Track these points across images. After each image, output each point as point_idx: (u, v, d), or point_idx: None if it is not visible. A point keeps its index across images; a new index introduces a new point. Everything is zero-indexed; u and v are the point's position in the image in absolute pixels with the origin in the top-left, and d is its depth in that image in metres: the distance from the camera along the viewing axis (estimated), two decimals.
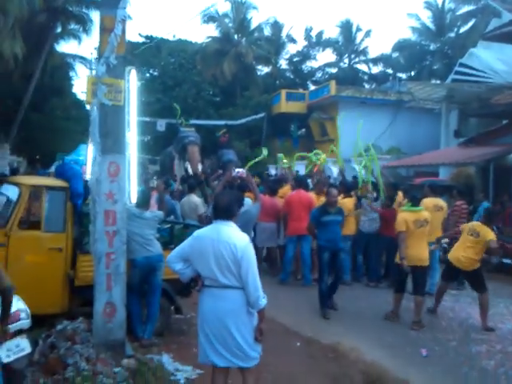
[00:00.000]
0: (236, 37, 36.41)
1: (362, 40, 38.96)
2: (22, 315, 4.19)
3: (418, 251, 7.23)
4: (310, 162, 13.70)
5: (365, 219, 9.77)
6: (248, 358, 3.87)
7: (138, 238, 5.86)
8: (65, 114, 31.01)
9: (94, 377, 4.45)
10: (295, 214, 9.37)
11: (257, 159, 11.21)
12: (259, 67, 38.31)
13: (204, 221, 8.58)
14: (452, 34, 33.79)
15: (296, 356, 6.06)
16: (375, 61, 38.98)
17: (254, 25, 37.40)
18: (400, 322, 7.38)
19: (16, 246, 5.61)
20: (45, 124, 28.25)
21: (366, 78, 39.56)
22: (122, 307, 5.10)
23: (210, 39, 36.64)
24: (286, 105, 30.65)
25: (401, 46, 35.71)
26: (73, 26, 28.08)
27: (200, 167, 15.15)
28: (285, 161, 14.02)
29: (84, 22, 26.91)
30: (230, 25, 36.72)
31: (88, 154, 9.20)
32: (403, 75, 36.80)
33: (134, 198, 6.11)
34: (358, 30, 38.79)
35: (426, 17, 34.49)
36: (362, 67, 39.85)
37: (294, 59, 40.16)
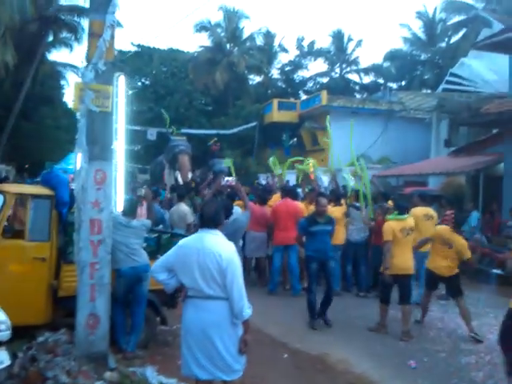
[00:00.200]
0: (228, 46, 36.49)
1: (354, 50, 39.09)
2: (2, 327, 4.09)
3: (402, 260, 7.24)
4: (299, 171, 13.66)
5: (352, 228, 9.73)
6: (231, 371, 3.79)
7: (122, 247, 5.76)
8: (55, 122, 30.88)
9: None
10: (282, 223, 9.33)
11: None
12: (251, 76, 38.41)
13: (192, 230, 8.50)
14: (443, 44, 33.99)
15: (283, 367, 5.97)
16: (366, 71, 39.13)
17: (246, 34, 37.55)
18: (388, 332, 7.31)
19: None
20: (35, 133, 28.11)
21: (357, 87, 39.68)
22: (105, 319, 5.02)
23: (202, 48, 36.70)
24: (277, 114, 30.68)
25: (392, 56, 35.88)
26: (64, 34, 28.09)
27: (190, 175, 15.09)
28: (276, 165, 13.96)
29: (76, 31, 26.90)
30: (222, 34, 36.79)
31: (76, 161, 9.10)
32: (394, 85, 36.99)
33: (120, 207, 6.02)
34: (350, 39, 38.93)
35: (417, 27, 34.74)
36: (354, 77, 40.01)
37: (286, 69, 40.24)
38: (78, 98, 5.07)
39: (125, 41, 66.83)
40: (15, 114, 24.93)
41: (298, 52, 40.10)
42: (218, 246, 3.79)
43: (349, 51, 39.20)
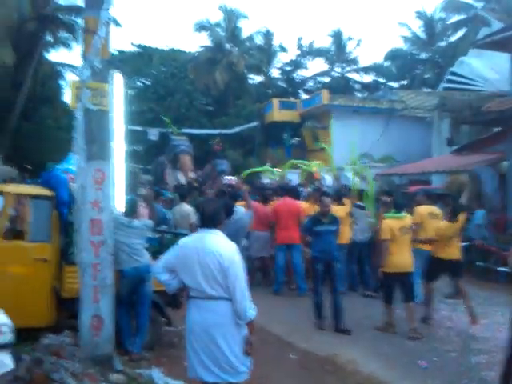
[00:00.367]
0: (228, 46, 36.37)
1: (354, 49, 39.09)
2: (5, 329, 3.99)
3: (402, 258, 7.21)
4: (304, 171, 13.57)
5: (356, 228, 9.61)
6: (237, 373, 3.68)
7: (125, 247, 5.67)
8: (56, 123, 30.74)
9: None
10: (283, 222, 9.25)
11: (260, 168, 10.82)
12: (251, 76, 38.30)
13: (194, 229, 8.39)
14: (443, 43, 33.94)
15: (290, 368, 5.87)
16: (367, 70, 39.05)
17: (245, 34, 37.49)
18: (397, 331, 7.19)
19: (0, 257, 5.40)
20: (35, 133, 27.94)
21: (357, 86, 39.59)
22: (109, 320, 4.91)
23: (202, 48, 36.62)
24: (278, 113, 30.58)
25: (392, 55, 35.85)
26: (63, 34, 27.97)
27: (192, 175, 15.01)
28: (275, 170, 13.87)
29: (74, 30, 26.73)
30: (222, 34, 36.71)
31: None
32: (395, 84, 36.92)
33: (121, 207, 5.93)
34: (349, 39, 38.89)
35: (417, 26, 34.70)
36: (354, 76, 39.92)
37: (286, 68, 40.15)
38: (74, 97, 4.97)
39: (125, 41, 66.77)
40: (16, 114, 24.81)
41: (297, 52, 40.04)
42: (218, 245, 3.70)
43: (348, 50, 39.15)
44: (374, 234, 9.41)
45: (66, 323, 5.51)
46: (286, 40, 58.28)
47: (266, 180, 19.95)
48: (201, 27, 36.34)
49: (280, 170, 13.35)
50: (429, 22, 34.12)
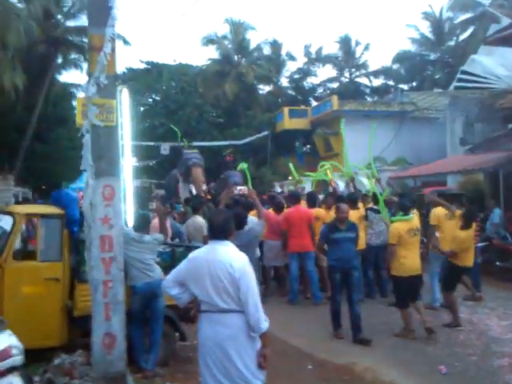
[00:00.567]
0: (236, 57, 36.58)
1: (362, 54, 39.07)
2: (14, 351, 3.95)
3: (413, 261, 7.15)
4: (314, 179, 13.43)
5: (371, 232, 9.46)
6: None
7: (137, 263, 5.64)
8: (70, 143, 31.12)
9: None
10: (296, 230, 9.12)
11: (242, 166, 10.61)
12: (260, 86, 38.45)
13: (207, 242, 8.33)
14: (451, 43, 33.72)
15: (308, 380, 5.76)
16: (376, 73, 38.98)
17: (253, 45, 37.69)
18: (416, 337, 7.05)
19: (11, 278, 5.40)
20: (50, 154, 28.32)
21: (367, 91, 39.49)
22: (121, 337, 4.86)
23: (210, 61, 36.86)
24: (289, 122, 30.62)
25: (401, 58, 35.68)
26: (73, 55, 28.35)
27: (204, 187, 14.97)
28: (295, 174, 13.80)
29: (85, 52, 27.02)
30: (230, 46, 36.94)
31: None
32: (405, 86, 36.74)
33: (131, 222, 5.90)
34: (357, 43, 38.88)
35: (425, 27, 34.55)
36: (363, 81, 39.88)
37: (295, 76, 40.18)
38: (81, 114, 4.97)
39: (134, 59, 67.60)
40: (29, 136, 25.14)
41: (306, 59, 40.08)
42: (229, 256, 3.62)
43: (357, 55, 39.14)
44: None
45: (79, 342, 5.49)
46: (294, 48, 58.24)
47: (278, 189, 19.90)
48: (208, 41, 36.65)
49: (291, 178, 13.24)
50: (436, 22, 33.95)
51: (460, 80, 20.38)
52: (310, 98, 40.00)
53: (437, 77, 33.58)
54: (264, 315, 3.59)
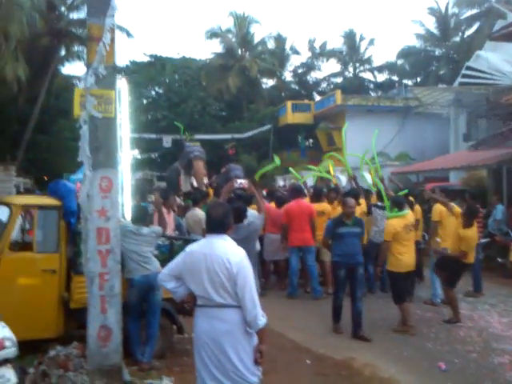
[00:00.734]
0: (240, 51, 36.44)
1: (366, 49, 38.81)
2: (7, 343, 3.90)
3: (410, 257, 7.19)
4: (319, 172, 13.34)
5: (376, 229, 9.29)
6: None
7: (134, 255, 5.59)
8: (73, 134, 31.07)
9: None
10: (296, 224, 9.06)
11: (269, 167, 10.60)
12: (264, 80, 38.34)
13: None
14: (457, 39, 33.53)
15: (306, 375, 5.70)
16: (380, 69, 38.77)
17: (257, 39, 37.57)
18: (415, 333, 6.99)
19: (7, 269, 5.36)
20: (52, 145, 28.29)
21: (371, 86, 39.30)
22: (117, 330, 4.81)
23: (213, 55, 36.74)
24: (292, 116, 30.51)
25: (406, 53, 35.45)
26: (77, 47, 28.26)
27: (206, 180, 14.89)
28: (296, 174, 13.72)
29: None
30: (234, 40, 36.79)
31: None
32: (409, 82, 36.53)
33: (129, 214, 5.84)
34: (362, 38, 38.62)
35: (430, 23, 34.30)
36: (367, 76, 39.66)
37: (299, 71, 40.04)
38: (78, 104, 4.90)
39: (137, 52, 67.46)
40: (31, 127, 25.11)
41: (310, 53, 39.91)
42: (226, 251, 3.55)
43: (361, 50, 38.90)
44: None
45: (75, 334, 5.45)
46: (299, 42, 58.13)
47: (281, 182, 19.82)
48: (212, 34, 36.52)
49: (294, 172, 13.16)
50: (442, 18, 33.72)
51: (465, 76, 20.29)
52: (314, 93, 39.86)
53: (441, 72, 33.37)
54: (261, 311, 3.52)
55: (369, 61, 39.04)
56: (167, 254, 6.35)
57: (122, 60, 41.68)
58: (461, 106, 19.12)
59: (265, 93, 36.19)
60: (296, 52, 39.76)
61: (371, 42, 38.48)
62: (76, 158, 4.94)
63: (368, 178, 11.14)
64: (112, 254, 4.87)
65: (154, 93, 37.64)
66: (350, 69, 39.60)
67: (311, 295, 9.14)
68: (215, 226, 3.66)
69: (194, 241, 5.73)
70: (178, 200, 10.50)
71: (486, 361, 6.02)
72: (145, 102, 36.71)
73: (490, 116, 17.44)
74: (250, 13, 38.56)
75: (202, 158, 15.95)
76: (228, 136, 29.13)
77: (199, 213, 9.14)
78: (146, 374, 5.12)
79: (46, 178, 27.54)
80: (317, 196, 9.99)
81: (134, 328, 5.53)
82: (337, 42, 55.40)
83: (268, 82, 38.99)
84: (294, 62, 40.43)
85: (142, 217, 5.90)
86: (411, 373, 5.69)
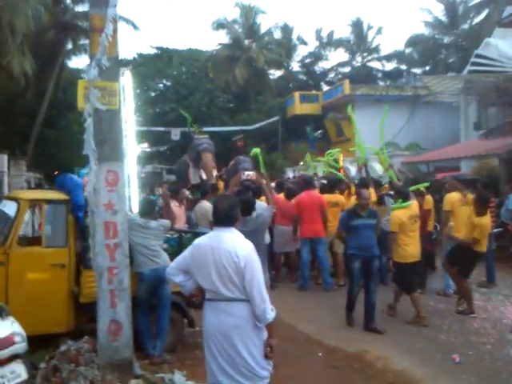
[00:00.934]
0: (246, 42, 36.24)
1: (374, 37, 38.42)
2: (17, 339, 3.88)
3: (415, 248, 7.16)
4: (327, 164, 13.25)
5: (388, 218, 9.21)
6: (257, 378, 3.46)
7: (143, 249, 5.54)
8: (80, 128, 31.06)
9: None
10: (307, 215, 8.97)
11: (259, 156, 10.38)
12: (271, 71, 38.13)
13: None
14: (465, 26, 33.12)
15: (318, 367, 5.64)
16: (388, 58, 38.39)
17: (263, 29, 37.31)
18: (428, 324, 6.90)
19: (16, 264, 5.35)
20: (61, 139, 28.36)
21: (379, 75, 38.96)
22: (127, 324, 4.77)
23: (220, 46, 36.57)
24: (300, 107, 30.34)
25: (414, 41, 35.05)
26: (83, 41, 28.21)
27: (215, 173, 14.84)
28: (310, 161, 13.66)
29: None
30: (240, 30, 36.58)
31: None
32: (418, 70, 36.15)
33: (136, 208, 5.78)
34: (369, 27, 38.24)
35: (439, 10, 33.96)
36: (376, 65, 39.29)
37: (306, 61, 39.78)
38: (82, 97, 4.82)
39: (144, 44, 67.38)
40: (40, 122, 25.16)
41: (317, 43, 39.61)
42: (234, 244, 3.48)
43: (369, 39, 38.54)
44: None
45: (86, 328, 5.43)
46: (306, 32, 57.72)
47: (290, 174, 19.73)
48: (218, 25, 36.32)
49: (302, 164, 13.10)
50: (450, 5, 33.32)
51: (474, 64, 20.04)
52: (322, 83, 39.61)
53: (450, 60, 32.99)
54: (270, 305, 3.46)
55: (377, 50, 38.68)
56: (176, 247, 6.32)
57: (128, 53, 41.62)
58: (470, 95, 18.88)
59: (272, 84, 36.00)
60: (303, 42, 39.53)
61: (379, 31, 38.11)
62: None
63: (378, 169, 11.03)
64: (120, 248, 4.82)
65: (161, 85, 37.58)
66: (358, 58, 39.28)
67: (322, 287, 9.08)
68: (222, 219, 3.59)
69: (203, 234, 5.68)
70: (187, 193, 10.42)
71: (501, 353, 5.92)
72: (152, 94, 36.67)
73: (500, 104, 17.24)
74: (256, 3, 38.28)
75: (210, 151, 15.89)
76: (236, 128, 29.04)
77: (206, 205, 9.10)
78: (158, 368, 5.09)
79: (56, 173, 27.69)
80: (331, 187, 9.90)
81: (144, 322, 5.50)
82: (344, 31, 54.97)
83: (275, 73, 38.82)
84: (301, 52, 40.12)
85: (149, 210, 5.85)
86: (424, 365, 5.61)
